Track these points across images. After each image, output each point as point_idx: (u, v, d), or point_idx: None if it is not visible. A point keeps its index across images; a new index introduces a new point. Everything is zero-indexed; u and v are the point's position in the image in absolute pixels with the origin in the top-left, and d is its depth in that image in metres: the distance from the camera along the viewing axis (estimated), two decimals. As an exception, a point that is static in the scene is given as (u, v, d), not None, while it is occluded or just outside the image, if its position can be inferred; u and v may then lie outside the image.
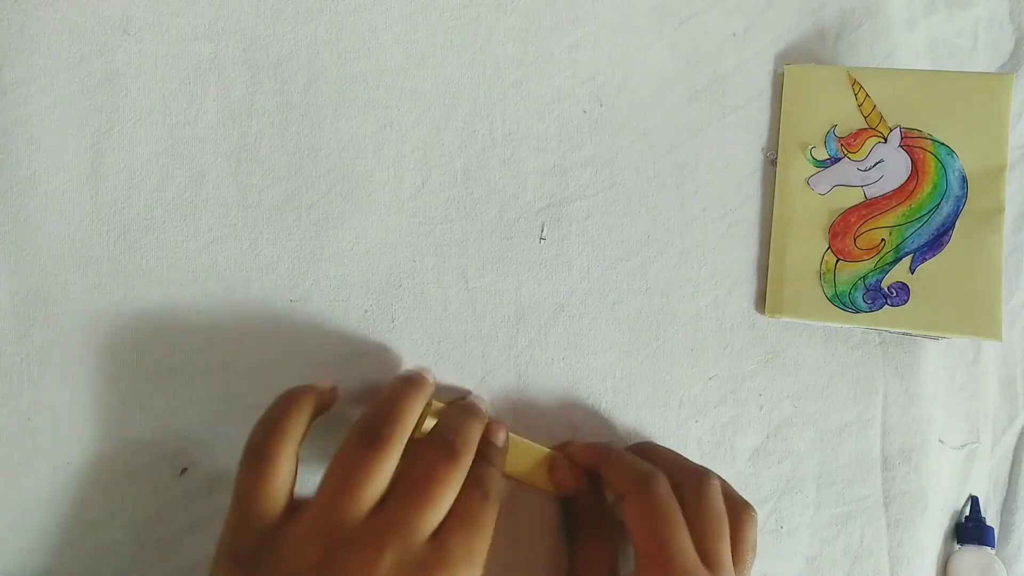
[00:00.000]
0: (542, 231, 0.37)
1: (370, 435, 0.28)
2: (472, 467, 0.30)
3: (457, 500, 0.28)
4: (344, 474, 0.28)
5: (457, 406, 0.32)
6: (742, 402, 0.38)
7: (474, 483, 0.29)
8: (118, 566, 0.32)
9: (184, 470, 0.33)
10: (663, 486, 0.31)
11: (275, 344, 0.34)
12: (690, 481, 0.32)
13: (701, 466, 0.33)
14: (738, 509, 0.32)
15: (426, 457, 0.29)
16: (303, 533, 0.27)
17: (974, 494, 0.39)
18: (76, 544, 0.32)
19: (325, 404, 0.31)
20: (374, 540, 0.26)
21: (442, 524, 0.28)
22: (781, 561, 0.37)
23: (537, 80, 0.37)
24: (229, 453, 0.32)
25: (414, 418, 0.30)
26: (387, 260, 0.35)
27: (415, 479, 0.28)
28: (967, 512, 0.39)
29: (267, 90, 0.35)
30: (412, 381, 0.31)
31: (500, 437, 0.33)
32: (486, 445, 0.32)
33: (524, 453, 0.34)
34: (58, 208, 0.33)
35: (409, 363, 0.35)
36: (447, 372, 0.35)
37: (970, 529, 0.39)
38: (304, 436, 0.30)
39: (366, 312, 0.35)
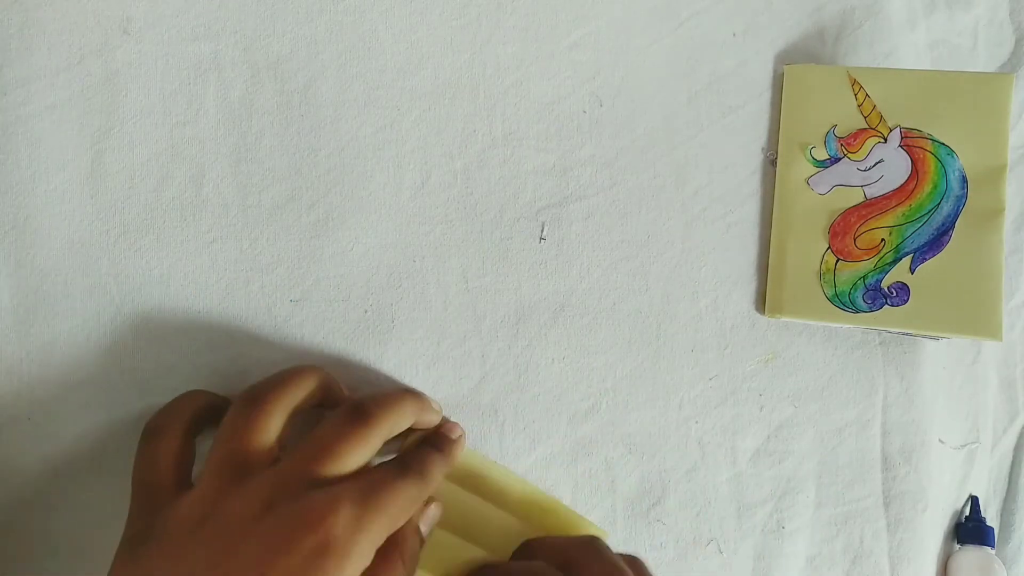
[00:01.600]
0: (542, 231, 0.37)
1: (251, 400, 0.28)
2: (414, 450, 0.30)
3: (371, 469, 0.28)
4: (229, 430, 0.27)
5: (397, 394, 0.31)
6: (742, 402, 0.38)
7: (398, 460, 0.29)
8: (118, 566, 0.32)
9: (184, 470, 0.33)
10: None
11: (275, 344, 0.34)
12: (579, 553, 0.29)
13: (586, 536, 0.31)
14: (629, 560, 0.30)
15: (332, 418, 0.28)
16: (194, 494, 0.26)
17: (974, 494, 0.39)
18: (76, 544, 0.32)
19: (222, 406, 0.31)
20: (260, 484, 0.26)
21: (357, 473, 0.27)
22: (782, 561, 0.37)
23: (537, 80, 0.37)
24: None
25: (302, 394, 0.29)
26: (387, 260, 0.35)
27: (314, 436, 0.27)
28: (967, 512, 0.39)
29: (267, 90, 0.35)
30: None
31: (456, 432, 0.33)
32: (438, 435, 0.33)
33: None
34: (58, 208, 0.33)
35: (407, 366, 0.35)
36: (447, 372, 0.35)
37: (970, 529, 0.39)
38: (196, 426, 0.30)
39: (366, 312, 0.35)
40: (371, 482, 0.27)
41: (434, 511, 0.30)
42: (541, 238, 0.37)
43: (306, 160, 0.35)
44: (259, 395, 0.29)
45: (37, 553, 0.32)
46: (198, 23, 0.35)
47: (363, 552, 0.25)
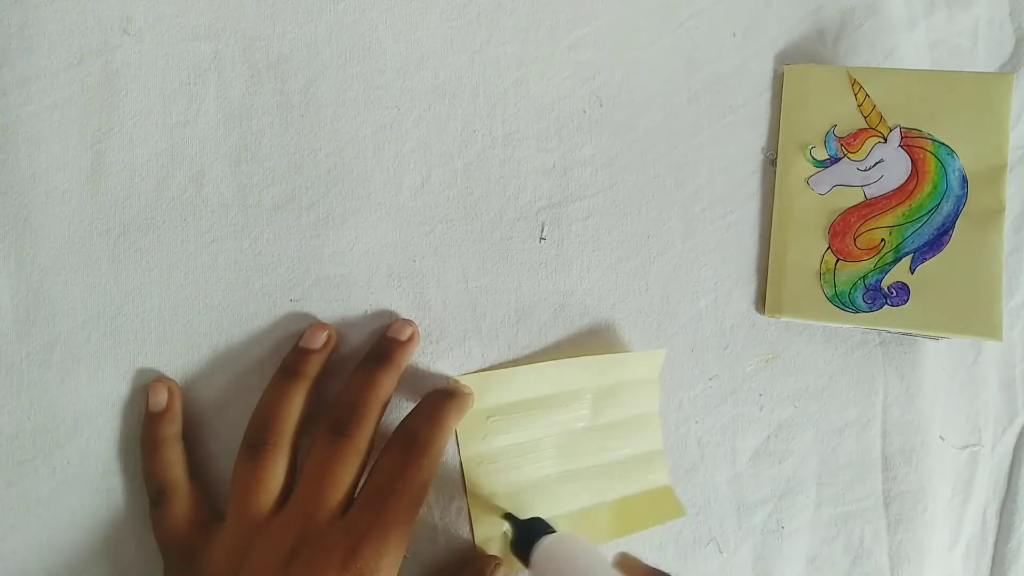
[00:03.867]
0: (542, 231, 0.37)
1: (252, 444, 0.30)
2: (421, 414, 0.31)
3: (379, 457, 0.30)
4: (241, 487, 0.29)
5: (356, 380, 0.32)
6: (742, 402, 0.38)
7: (406, 436, 0.30)
8: (118, 566, 0.32)
9: (184, 470, 0.33)
10: None
11: (275, 344, 0.34)
12: None
13: None
14: None
15: (316, 443, 0.30)
16: (220, 548, 0.29)
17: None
18: (76, 544, 0.32)
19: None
20: (281, 531, 0.28)
21: (362, 490, 0.29)
22: (782, 561, 0.37)
23: (537, 80, 0.37)
24: (228, 453, 0.32)
25: (294, 417, 0.31)
26: (387, 260, 0.35)
27: (310, 467, 0.29)
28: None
29: (267, 90, 0.35)
30: (286, 378, 0.32)
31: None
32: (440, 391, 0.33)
33: None
34: (58, 208, 0.33)
35: (407, 366, 0.35)
36: (447, 372, 0.35)
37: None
38: (189, 463, 0.32)
39: (366, 312, 0.35)
40: (385, 491, 0.28)
41: None
42: (541, 238, 0.37)
43: (306, 160, 0.35)
44: (258, 444, 0.30)
45: (36, 553, 0.32)
46: (198, 23, 0.35)
47: (393, 565, 0.27)
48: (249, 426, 0.31)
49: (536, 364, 0.35)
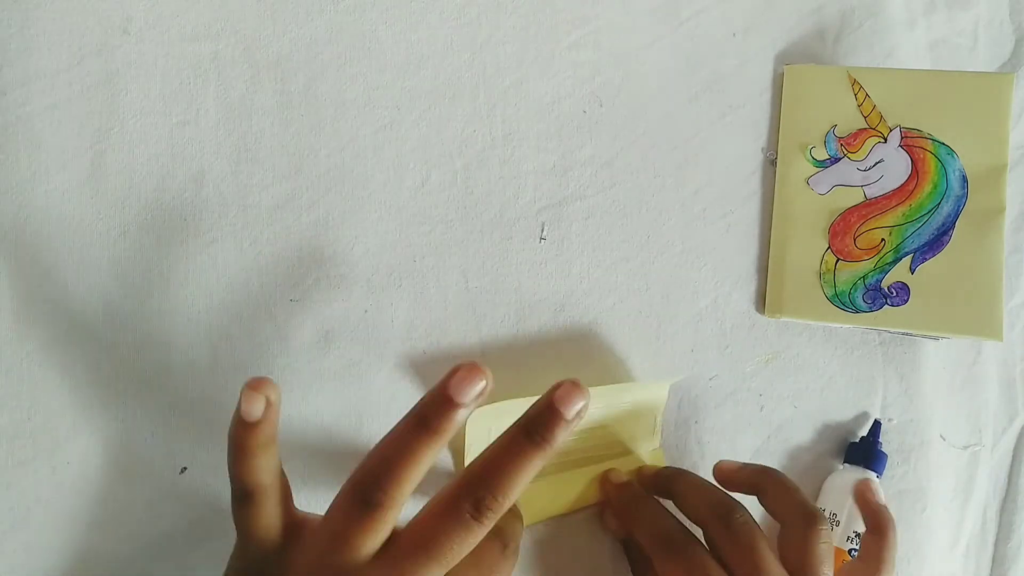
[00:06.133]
0: (542, 231, 0.37)
1: (363, 497, 0.25)
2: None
3: (474, 550, 0.26)
4: (342, 527, 0.26)
5: (503, 448, 0.27)
6: (742, 402, 0.38)
7: (495, 533, 0.27)
8: (118, 566, 0.32)
9: (184, 469, 0.33)
10: (744, 515, 0.30)
11: (275, 344, 0.34)
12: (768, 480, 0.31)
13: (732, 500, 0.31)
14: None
15: (442, 513, 0.26)
16: (303, 565, 0.26)
17: (878, 419, 0.38)
18: (76, 544, 0.32)
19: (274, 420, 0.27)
20: None
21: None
22: (781, 561, 0.37)
23: (537, 80, 0.37)
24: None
25: (417, 477, 0.26)
26: (387, 260, 0.35)
27: (425, 531, 0.26)
28: (864, 434, 0.38)
29: (267, 90, 0.35)
30: (422, 432, 0.26)
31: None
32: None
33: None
34: (58, 208, 0.33)
35: (407, 367, 0.35)
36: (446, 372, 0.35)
37: (859, 449, 0.37)
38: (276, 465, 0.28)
39: (366, 312, 0.35)
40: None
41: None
42: (541, 238, 0.37)
43: (306, 160, 0.35)
44: (371, 500, 0.25)
45: (36, 553, 0.32)
46: (198, 23, 0.35)
47: None
48: (366, 470, 0.26)
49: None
